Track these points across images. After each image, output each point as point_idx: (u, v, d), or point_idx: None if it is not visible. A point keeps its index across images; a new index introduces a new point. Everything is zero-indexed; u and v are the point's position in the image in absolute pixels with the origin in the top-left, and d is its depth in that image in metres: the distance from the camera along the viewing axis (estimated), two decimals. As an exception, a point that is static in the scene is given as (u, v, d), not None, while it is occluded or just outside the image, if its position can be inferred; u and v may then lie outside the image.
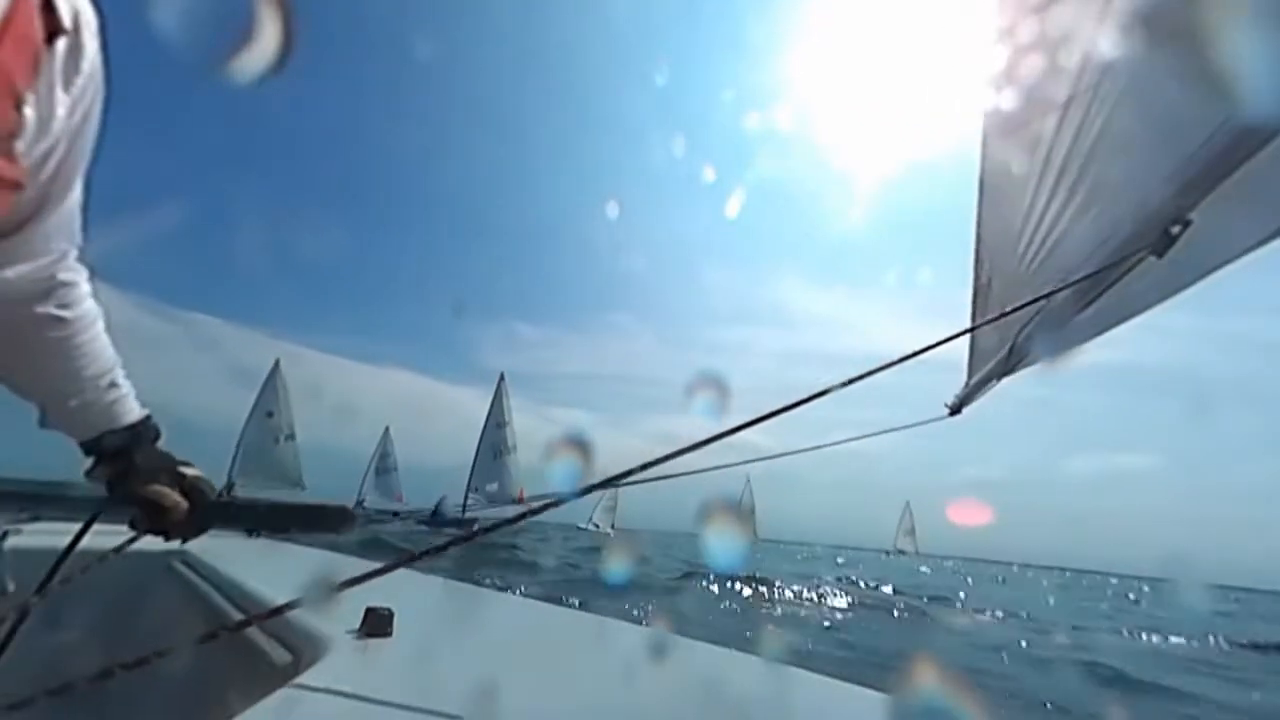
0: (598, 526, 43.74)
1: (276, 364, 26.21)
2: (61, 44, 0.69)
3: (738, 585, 15.50)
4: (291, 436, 25.97)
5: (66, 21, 0.68)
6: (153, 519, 1.05)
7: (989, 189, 1.58)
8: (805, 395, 0.97)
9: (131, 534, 1.09)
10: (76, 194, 0.83)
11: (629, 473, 0.88)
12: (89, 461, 1.01)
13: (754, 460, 1.33)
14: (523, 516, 1.03)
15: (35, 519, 1.23)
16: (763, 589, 16.02)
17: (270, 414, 25.68)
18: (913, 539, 64.21)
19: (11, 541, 1.22)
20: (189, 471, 1.09)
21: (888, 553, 64.34)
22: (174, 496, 1.04)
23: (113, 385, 0.98)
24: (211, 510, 1.10)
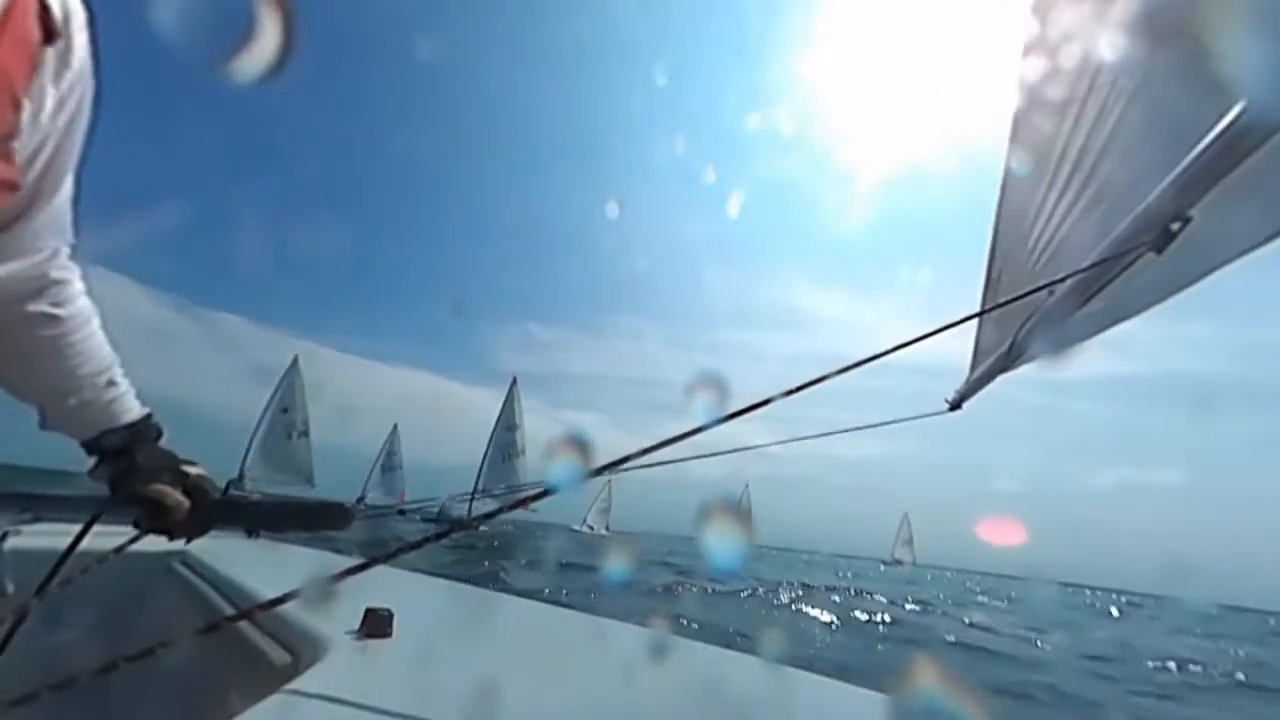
0: (592, 529, 43.27)
1: (295, 361, 26.36)
2: (54, 45, 0.69)
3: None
4: (305, 433, 26.11)
5: (60, 23, 0.69)
6: (155, 518, 1.04)
7: (1009, 185, 1.58)
8: (803, 399, 0.96)
9: (133, 534, 1.09)
10: (67, 191, 0.83)
11: (617, 463, 0.88)
12: (91, 461, 1.01)
13: (748, 448, 1.32)
14: (513, 506, 1.04)
15: (36, 519, 1.23)
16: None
17: (285, 410, 25.84)
18: (910, 549, 63.60)
19: (11, 542, 1.23)
20: (192, 470, 1.09)
21: (884, 563, 63.77)
22: (176, 495, 1.04)
23: (111, 384, 0.97)
24: (214, 509, 1.10)
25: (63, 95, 0.73)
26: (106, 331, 0.97)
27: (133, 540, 1.11)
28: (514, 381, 30.69)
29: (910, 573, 52.68)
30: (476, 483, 27.39)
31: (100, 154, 0.84)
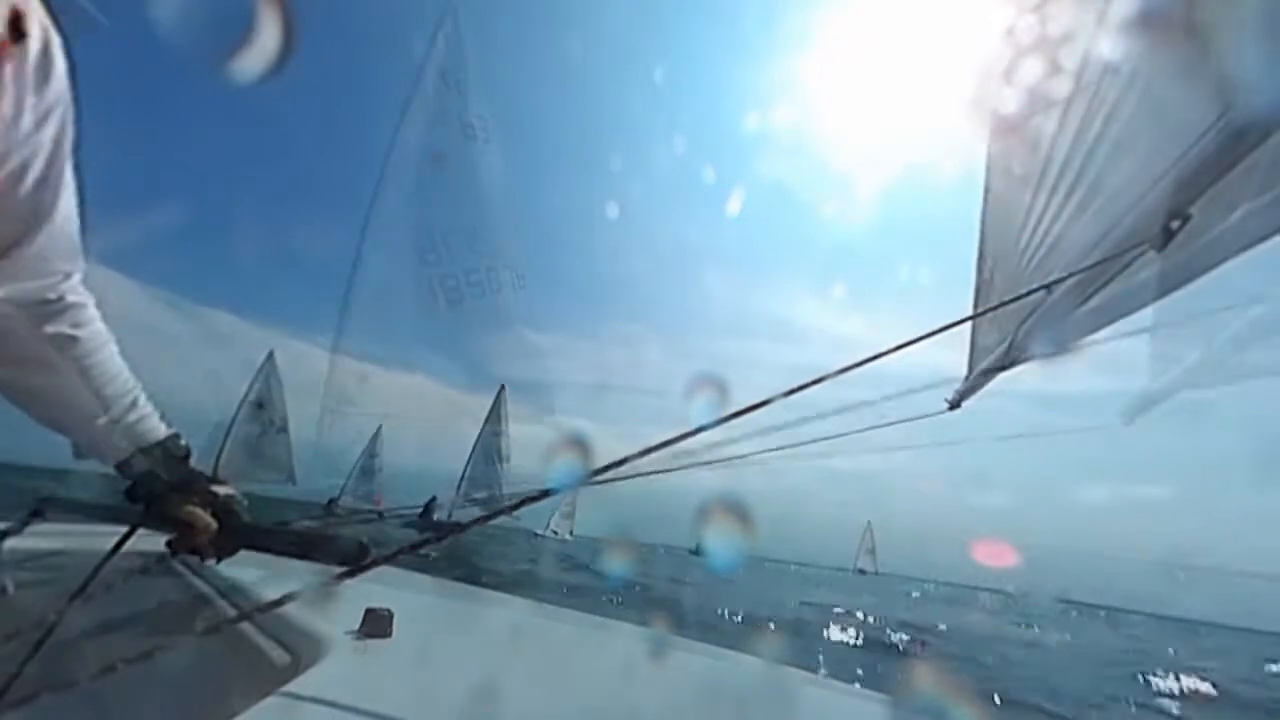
0: (555, 533, 42.78)
1: (270, 355, 26.05)
2: (31, 56, 0.70)
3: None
4: (284, 429, 25.72)
5: (34, 34, 0.69)
6: (185, 540, 1.06)
7: (993, 186, 1.59)
8: (805, 411, 0.96)
9: (161, 551, 1.10)
10: (70, 215, 0.84)
11: (602, 469, 0.87)
12: (126, 484, 1.02)
13: (731, 458, 1.32)
14: (503, 512, 1.05)
15: (37, 519, 1.22)
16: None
17: (261, 405, 25.48)
18: (873, 559, 64.43)
19: (11, 542, 1.21)
20: (222, 491, 1.10)
21: (849, 571, 64.74)
22: (205, 518, 1.05)
23: (135, 404, 0.99)
24: (242, 532, 1.11)
25: (47, 109, 0.74)
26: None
27: (162, 556, 1.12)
28: (502, 388, 30.38)
29: (869, 581, 53.43)
30: (459, 488, 27.23)
31: (91, 149, 0.86)
